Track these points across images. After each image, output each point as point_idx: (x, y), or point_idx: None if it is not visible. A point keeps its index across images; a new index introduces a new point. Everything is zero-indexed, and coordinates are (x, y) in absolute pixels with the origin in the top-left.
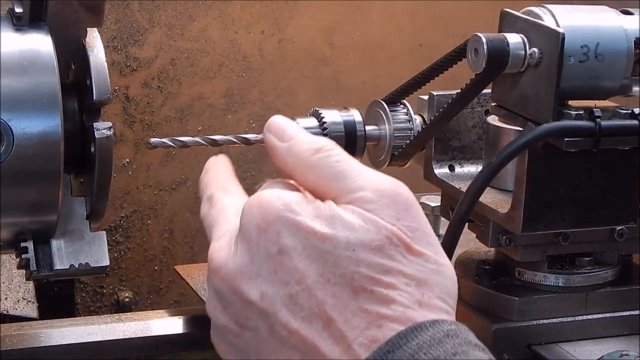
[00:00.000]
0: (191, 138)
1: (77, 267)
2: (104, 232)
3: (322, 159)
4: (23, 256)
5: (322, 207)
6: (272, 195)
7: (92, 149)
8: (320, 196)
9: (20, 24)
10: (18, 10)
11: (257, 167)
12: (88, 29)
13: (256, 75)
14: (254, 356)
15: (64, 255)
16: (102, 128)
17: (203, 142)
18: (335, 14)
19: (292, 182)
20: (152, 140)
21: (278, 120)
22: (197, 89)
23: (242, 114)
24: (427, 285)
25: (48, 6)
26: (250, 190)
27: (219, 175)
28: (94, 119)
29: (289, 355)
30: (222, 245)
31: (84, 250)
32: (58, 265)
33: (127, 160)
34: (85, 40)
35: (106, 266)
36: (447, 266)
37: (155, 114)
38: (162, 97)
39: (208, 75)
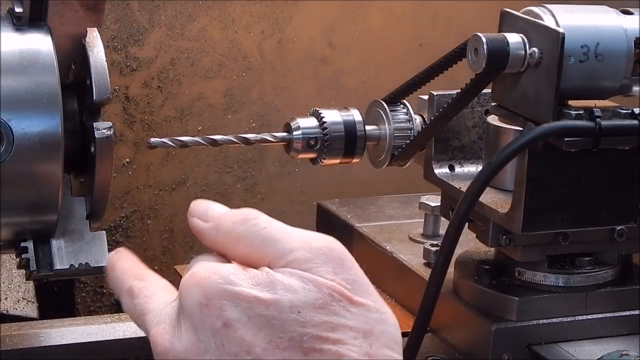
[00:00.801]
0: (191, 138)
1: (77, 267)
2: (104, 232)
3: (250, 229)
4: (23, 256)
5: (260, 275)
6: (208, 270)
7: (92, 149)
8: (255, 265)
9: (20, 23)
10: (18, 10)
11: (257, 167)
12: (88, 28)
13: (256, 75)
14: None
15: (63, 255)
16: (102, 128)
17: (203, 142)
18: (335, 14)
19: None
20: (152, 140)
21: (199, 204)
22: (197, 89)
23: (242, 114)
24: (374, 336)
25: (48, 6)
26: (249, 190)
27: (128, 268)
28: (94, 118)
29: None
30: (165, 328)
31: (84, 250)
32: (58, 265)
33: (127, 160)
34: (85, 40)
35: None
36: (389, 314)
37: (155, 113)
38: (162, 97)
39: (208, 75)
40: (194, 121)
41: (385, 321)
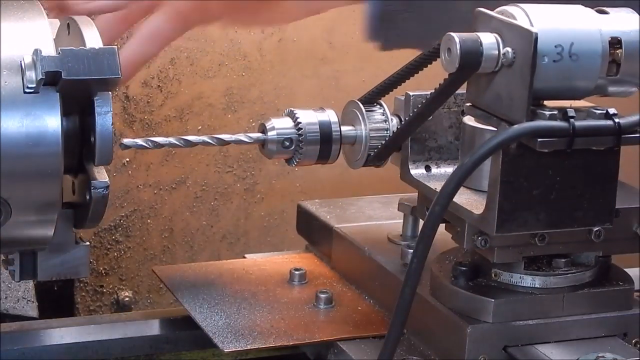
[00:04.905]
0: (164, 139)
1: (57, 279)
2: (88, 244)
3: None
4: (9, 268)
5: None
6: None
7: (88, 197)
8: None
9: (31, 90)
10: (30, 85)
11: (257, 166)
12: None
13: (256, 74)
14: None
15: (47, 267)
16: (99, 187)
17: (177, 142)
18: (335, 14)
19: None
20: (125, 140)
21: None
22: (197, 88)
23: (242, 114)
24: None
25: (61, 81)
26: (249, 190)
27: None
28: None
29: None
30: None
31: (67, 262)
32: (40, 277)
33: (127, 159)
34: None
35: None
36: None
37: (155, 113)
38: (162, 97)
39: (208, 75)
40: (193, 120)
41: None
